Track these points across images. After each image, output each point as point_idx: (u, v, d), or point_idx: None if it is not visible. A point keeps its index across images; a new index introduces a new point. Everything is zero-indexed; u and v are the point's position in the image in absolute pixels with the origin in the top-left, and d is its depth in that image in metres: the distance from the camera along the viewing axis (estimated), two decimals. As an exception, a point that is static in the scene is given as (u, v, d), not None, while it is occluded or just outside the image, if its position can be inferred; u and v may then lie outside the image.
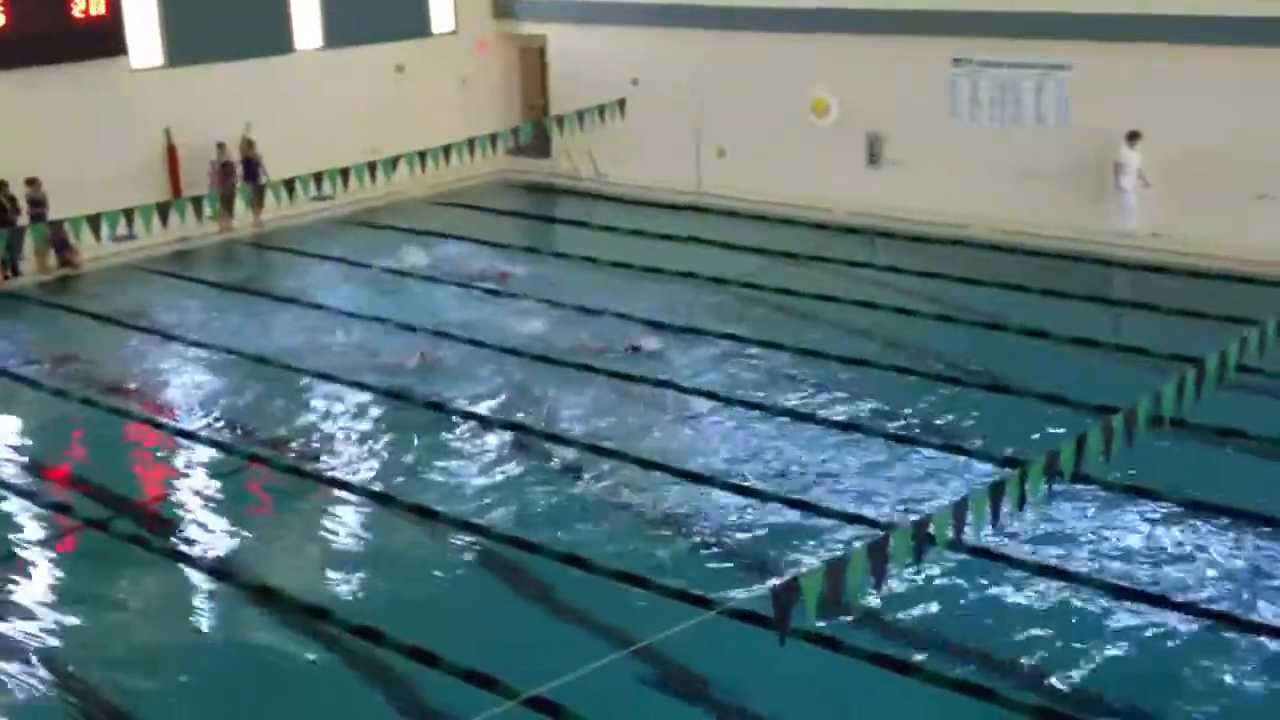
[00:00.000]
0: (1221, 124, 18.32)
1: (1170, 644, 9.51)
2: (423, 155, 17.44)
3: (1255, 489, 11.63)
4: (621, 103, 20.53)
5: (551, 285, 18.38)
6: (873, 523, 11.15)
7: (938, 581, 10.25)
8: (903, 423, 13.35)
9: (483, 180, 24.48)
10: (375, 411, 14.14)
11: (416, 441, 13.32)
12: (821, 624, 8.71)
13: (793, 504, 11.66)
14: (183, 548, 11.45)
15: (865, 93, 21.56)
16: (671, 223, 21.49)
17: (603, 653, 8.45)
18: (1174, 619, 9.77)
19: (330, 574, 10.92)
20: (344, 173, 16.67)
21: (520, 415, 13.88)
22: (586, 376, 14.87)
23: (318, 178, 16.47)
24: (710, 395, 14.16)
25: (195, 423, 14.07)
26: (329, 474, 12.71)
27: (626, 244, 20.37)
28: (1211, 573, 10.39)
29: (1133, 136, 18.69)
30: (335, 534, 11.64)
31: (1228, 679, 9.07)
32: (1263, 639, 9.49)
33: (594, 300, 17.49)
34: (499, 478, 12.50)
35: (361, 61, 23.53)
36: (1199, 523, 11.13)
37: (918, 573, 9.91)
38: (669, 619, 8.06)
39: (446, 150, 18.02)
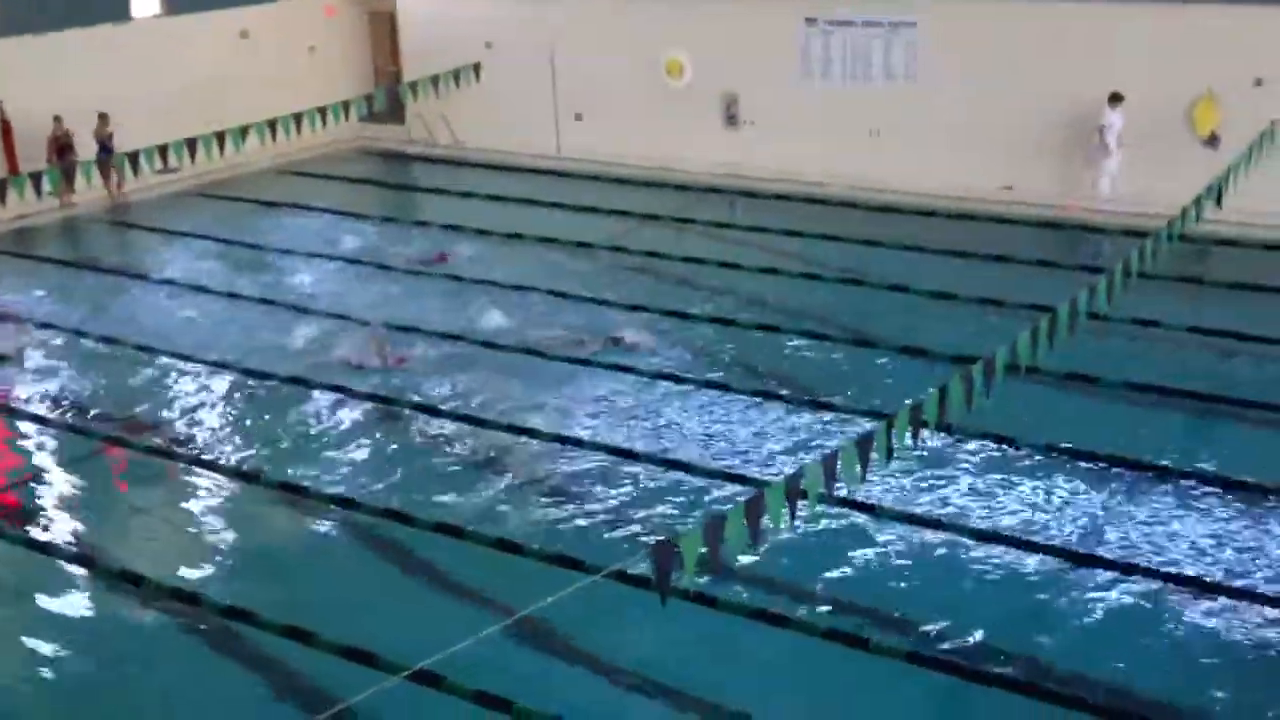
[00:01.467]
0: (1065, 78, 18.87)
1: (1031, 584, 9.83)
2: (273, 124, 17.06)
3: (1107, 432, 12.08)
4: (476, 67, 20.31)
5: (410, 251, 18.17)
6: (746, 480, 11.28)
7: (811, 535, 10.43)
8: (771, 380, 13.52)
9: (336, 149, 23.99)
10: (238, 390, 13.78)
11: (281, 419, 13.05)
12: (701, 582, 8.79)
13: (668, 464, 11.73)
14: (40, 535, 11.03)
15: (720, 54, 21.65)
16: (533, 188, 21.34)
17: (484, 623, 8.40)
18: (1034, 560, 10.10)
19: (197, 557, 10.63)
20: (190, 144, 16.18)
21: (388, 388, 13.67)
22: (451, 346, 14.72)
23: (163, 150, 15.95)
24: (581, 361, 14.13)
25: (46, 406, 13.55)
26: (191, 454, 12.37)
27: (488, 210, 20.17)
28: (1068, 513, 10.78)
29: (1115, 98, 18.28)
30: (200, 516, 11.34)
31: (1085, 617, 9.42)
32: (1116, 575, 9.87)
33: (457, 268, 17.34)
34: (369, 452, 12.31)
35: (204, 29, 22.77)
36: (1056, 466, 11.53)
37: (792, 527, 10.06)
38: (550, 586, 8.03)
39: (298, 119, 17.65)
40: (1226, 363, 13.80)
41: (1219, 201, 14.81)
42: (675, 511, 10.93)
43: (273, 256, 18.36)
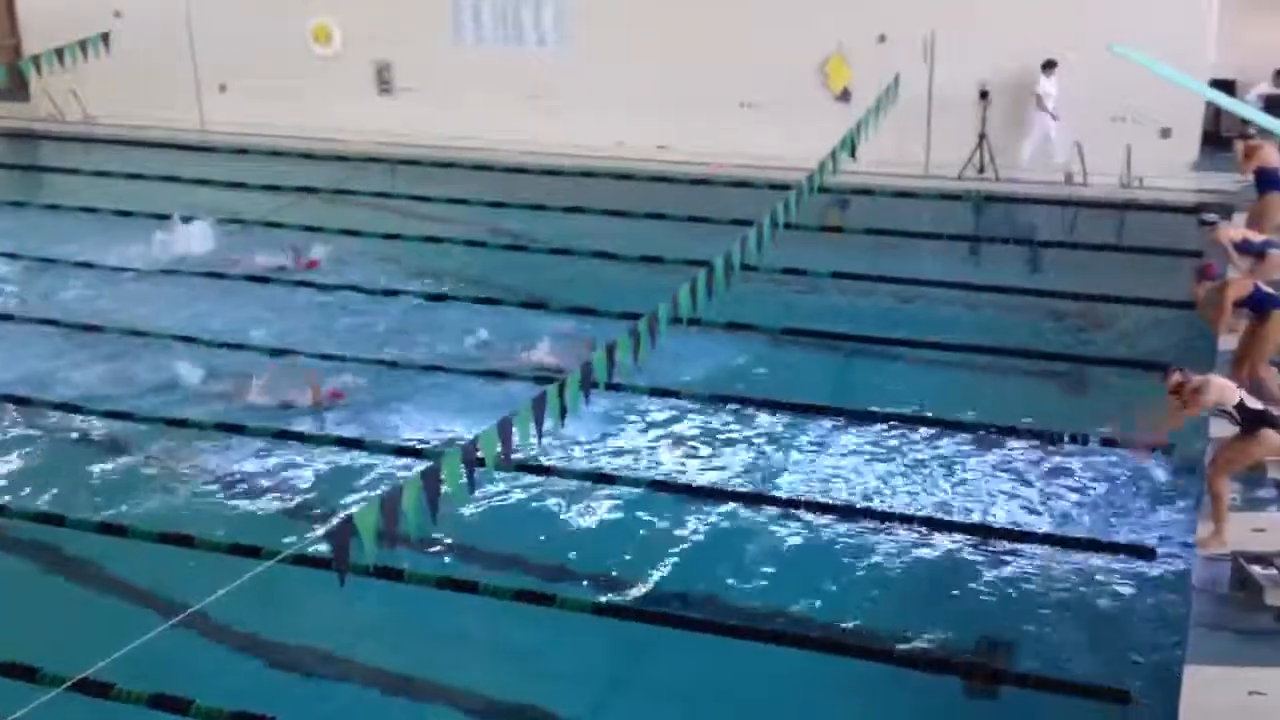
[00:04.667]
0: (708, 40, 19.55)
1: (707, 528, 10.24)
2: (-126, 105, 15.46)
3: (768, 375, 12.71)
4: (105, 37, 19.05)
5: (41, 238, 16.98)
6: (420, 452, 11.19)
7: (492, 500, 10.47)
8: (440, 349, 13.44)
9: (-48, 130, 22.07)
10: None
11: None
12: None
13: (336, 442, 11.48)
14: None
15: (369, 19, 21.19)
16: (175, 164, 20.27)
17: (154, 622, 7.98)
18: (708, 505, 10.52)
19: None
20: None
21: (31, 388, 12.72)
22: (93, 338, 13.83)
23: None
24: (236, 346, 13.57)
25: None
26: None
27: (127, 190, 19.01)
28: (735, 457, 11.28)
29: (1048, 65, 18.17)
30: None
31: (758, 554, 9.88)
32: (787, 511, 10.40)
33: (93, 253, 16.32)
34: (14, 456, 11.43)
35: None
36: (720, 413, 12.02)
37: (472, 495, 10.06)
38: (222, 577, 7.71)
39: (-97, 98, 16.04)
40: (868, 303, 14.74)
41: (853, 154, 15.73)
42: (349, 489, 10.71)
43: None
